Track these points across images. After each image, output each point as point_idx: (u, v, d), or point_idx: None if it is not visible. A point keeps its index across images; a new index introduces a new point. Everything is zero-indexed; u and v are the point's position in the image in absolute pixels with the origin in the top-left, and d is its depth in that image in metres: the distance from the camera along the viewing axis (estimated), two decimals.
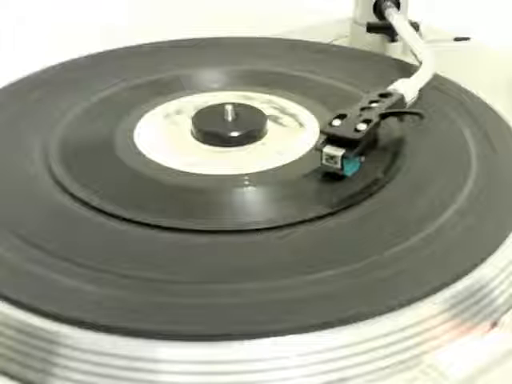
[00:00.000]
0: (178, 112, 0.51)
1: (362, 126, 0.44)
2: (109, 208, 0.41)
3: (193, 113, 0.49)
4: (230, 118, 0.48)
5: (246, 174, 0.44)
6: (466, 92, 0.53)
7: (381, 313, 0.34)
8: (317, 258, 0.38)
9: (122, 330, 0.34)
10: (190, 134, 0.49)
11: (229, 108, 0.48)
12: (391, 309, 0.35)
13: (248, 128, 0.48)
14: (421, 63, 0.54)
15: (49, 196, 0.43)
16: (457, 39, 0.68)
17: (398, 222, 0.41)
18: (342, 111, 0.45)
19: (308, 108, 0.51)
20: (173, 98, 0.53)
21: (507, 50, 0.66)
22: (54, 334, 0.34)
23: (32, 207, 0.42)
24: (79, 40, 0.70)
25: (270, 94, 0.53)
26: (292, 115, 0.51)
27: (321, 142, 0.44)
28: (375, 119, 0.45)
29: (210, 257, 0.39)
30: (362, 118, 0.45)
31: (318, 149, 0.44)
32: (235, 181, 0.44)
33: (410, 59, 0.58)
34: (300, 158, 0.46)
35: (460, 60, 0.64)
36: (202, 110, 0.50)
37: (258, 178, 0.44)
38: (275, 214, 0.41)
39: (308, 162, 0.45)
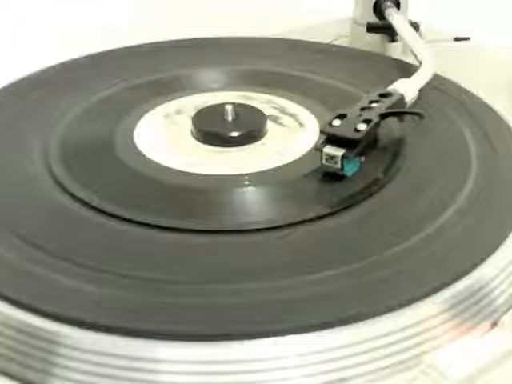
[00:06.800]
0: (178, 112, 0.51)
1: (362, 126, 0.44)
2: (109, 208, 0.41)
3: (193, 113, 0.49)
4: (230, 118, 0.48)
5: (246, 174, 0.44)
6: (466, 92, 0.53)
7: (381, 313, 0.34)
8: (317, 258, 0.38)
9: (121, 329, 0.34)
10: (190, 134, 0.49)
11: (229, 108, 0.48)
12: (391, 309, 0.35)
13: (248, 128, 0.48)
14: (421, 63, 0.54)
15: (49, 196, 0.43)
16: (457, 39, 0.68)
17: (398, 222, 0.41)
18: (342, 111, 0.45)
19: (308, 108, 0.51)
20: (173, 98, 0.53)
21: (507, 49, 0.66)
22: (54, 334, 0.34)
23: (32, 207, 0.42)
24: (79, 40, 0.70)
25: (270, 93, 0.53)
26: (292, 115, 0.51)
27: (321, 142, 0.44)
28: (375, 119, 0.45)
29: (210, 257, 0.39)
30: (362, 118, 0.45)
31: (318, 149, 0.44)
32: (235, 181, 0.44)
33: (410, 59, 0.58)
34: (300, 158, 0.46)
35: (460, 60, 0.64)
36: (202, 110, 0.50)
37: (258, 178, 0.44)
38: (275, 214, 0.41)
39: (308, 162, 0.45)
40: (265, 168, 0.45)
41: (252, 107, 0.50)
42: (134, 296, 0.36)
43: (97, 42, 0.62)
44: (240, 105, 0.50)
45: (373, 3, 0.66)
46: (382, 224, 0.41)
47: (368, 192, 0.43)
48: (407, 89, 0.49)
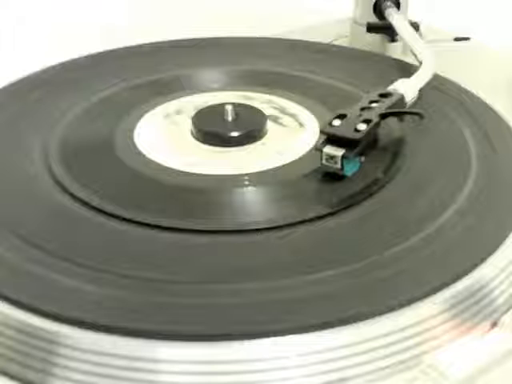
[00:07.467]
0: (178, 112, 0.51)
1: (362, 126, 0.44)
2: (109, 208, 0.41)
3: (193, 113, 0.49)
4: (230, 118, 0.48)
5: (246, 174, 0.44)
6: (466, 92, 0.53)
7: (381, 313, 0.34)
8: (317, 258, 0.38)
9: (121, 329, 0.34)
10: (190, 134, 0.49)
11: (229, 108, 0.48)
12: (391, 309, 0.35)
13: (248, 128, 0.48)
14: (421, 63, 0.54)
15: (49, 196, 0.43)
16: (457, 39, 0.68)
17: (398, 222, 0.41)
18: (342, 111, 0.45)
19: (308, 108, 0.51)
20: (173, 98, 0.53)
21: (507, 49, 0.66)
22: (54, 334, 0.34)
23: (32, 207, 0.42)
24: (79, 40, 0.70)
25: (270, 93, 0.53)
26: (292, 115, 0.51)
27: (321, 142, 0.44)
28: (375, 119, 0.45)
29: (210, 257, 0.39)
30: (362, 118, 0.45)
31: (318, 149, 0.44)
32: (235, 181, 0.44)
33: (410, 59, 0.58)
34: (300, 158, 0.46)
35: (460, 60, 0.64)
36: (202, 110, 0.50)
37: (258, 178, 0.44)
38: (275, 214, 0.41)
39: (308, 162, 0.45)
40: (265, 168, 0.45)
41: (252, 107, 0.50)
42: (134, 296, 0.36)
43: (97, 42, 0.62)
44: (240, 105, 0.50)
45: (373, 3, 0.66)
46: (382, 224, 0.41)
47: (368, 192, 0.43)
48: (407, 89, 0.49)
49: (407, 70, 0.55)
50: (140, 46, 0.61)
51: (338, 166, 0.43)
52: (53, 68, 0.58)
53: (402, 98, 0.48)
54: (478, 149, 0.47)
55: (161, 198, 0.43)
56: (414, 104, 0.50)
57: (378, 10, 0.65)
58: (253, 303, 0.35)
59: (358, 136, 0.43)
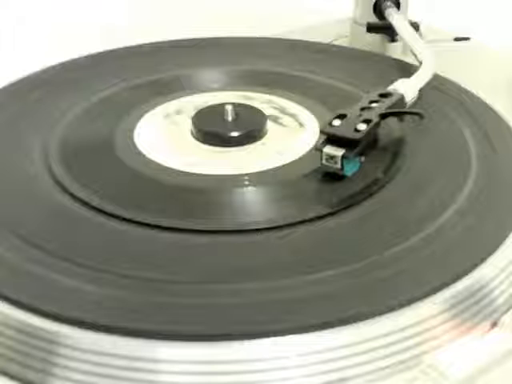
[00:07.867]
0: (178, 112, 0.51)
1: (362, 126, 0.44)
2: (109, 208, 0.41)
3: (193, 113, 0.49)
4: (230, 118, 0.48)
5: (246, 174, 0.44)
6: (466, 92, 0.53)
7: (381, 313, 0.34)
8: (317, 258, 0.38)
9: (121, 329, 0.34)
10: (190, 134, 0.49)
11: (229, 108, 0.48)
12: (391, 309, 0.35)
13: (248, 128, 0.48)
14: (421, 63, 0.54)
15: (49, 196, 0.43)
16: (457, 39, 0.68)
17: (398, 222, 0.41)
18: (342, 111, 0.45)
19: (308, 108, 0.51)
20: (173, 98, 0.53)
21: (507, 49, 0.66)
22: (54, 334, 0.34)
23: (32, 207, 0.42)
24: (79, 40, 0.70)
25: (270, 93, 0.53)
26: (292, 115, 0.51)
27: (321, 142, 0.44)
28: (375, 119, 0.45)
29: (210, 257, 0.39)
30: (362, 118, 0.45)
31: (318, 149, 0.44)
32: (235, 181, 0.44)
33: (410, 59, 0.58)
34: (300, 158, 0.46)
35: (460, 60, 0.64)
36: (202, 110, 0.50)
37: (258, 178, 0.44)
38: (275, 214, 0.41)
39: (308, 162, 0.45)
40: (265, 168, 0.45)
41: (252, 107, 0.50)
42: (134, 296, 0.36)
43: (97, 42, 0.62)
44: (240, 105, 0.50)
45: (373, 3, 0.66)
46: (382, 224, 0.41)
47: (368, 192, 0.43)
48: (407, 89, 0.49)
49: (407, 70, 0.55)
50: (140, 46, 0.61)
51: (338, 166, 0.43)
52: (53, 68, 0.58)
53: (401, 98, 0.48)
54: (478, 149, 0.47)
55: (161, 198, 0.43)
56: (414, 104, 0.50)
57: (378, 9, 0.65)
58: (253, 303, 0.35)
59: (357, 136, 0.43)
